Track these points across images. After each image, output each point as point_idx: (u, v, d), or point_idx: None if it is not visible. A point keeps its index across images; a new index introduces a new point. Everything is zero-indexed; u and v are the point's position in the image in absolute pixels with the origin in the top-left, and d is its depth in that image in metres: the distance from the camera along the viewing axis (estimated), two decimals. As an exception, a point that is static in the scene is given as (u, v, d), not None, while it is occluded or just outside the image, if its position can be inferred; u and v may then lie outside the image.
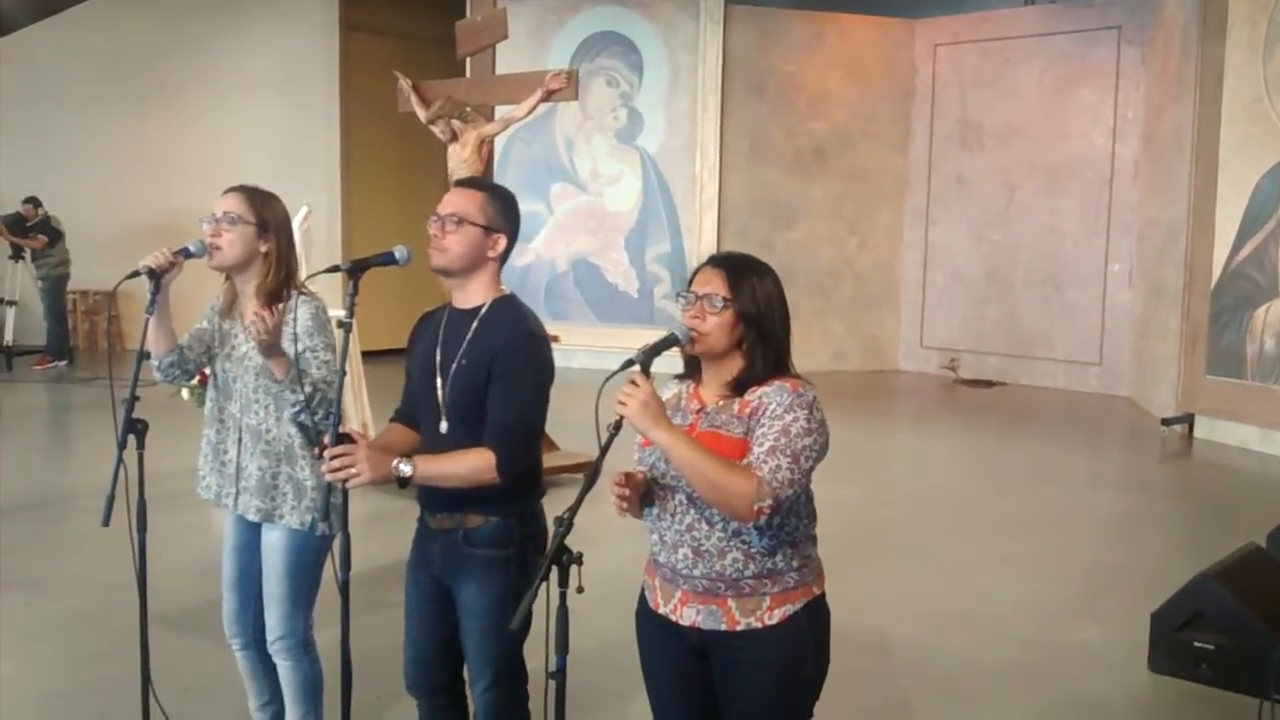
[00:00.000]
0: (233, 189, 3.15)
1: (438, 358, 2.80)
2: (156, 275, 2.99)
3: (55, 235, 12.28)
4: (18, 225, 12.20)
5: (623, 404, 2.26)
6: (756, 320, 2.39)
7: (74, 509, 6.73)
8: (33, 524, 6.42)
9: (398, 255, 2.79)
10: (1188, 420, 9.53)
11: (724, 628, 2.38)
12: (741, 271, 2.42)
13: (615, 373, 2.33)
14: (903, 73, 13.07)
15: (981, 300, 12.68)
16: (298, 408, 3.01)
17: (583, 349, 11.34)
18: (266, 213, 3.12)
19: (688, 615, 2.41)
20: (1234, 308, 9.13)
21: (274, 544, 3.16)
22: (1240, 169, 9.05)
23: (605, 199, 12.86)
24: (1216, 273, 9.28)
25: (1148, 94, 11.28)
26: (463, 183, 2.91)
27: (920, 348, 13.21)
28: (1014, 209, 12.37)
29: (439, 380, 2.78)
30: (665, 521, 2.42)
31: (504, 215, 2.82)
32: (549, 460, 6.76)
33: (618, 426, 2.27)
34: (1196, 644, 4.36)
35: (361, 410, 7.30)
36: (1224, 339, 9.21)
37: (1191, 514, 7.46)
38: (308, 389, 2.98)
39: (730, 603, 2.37)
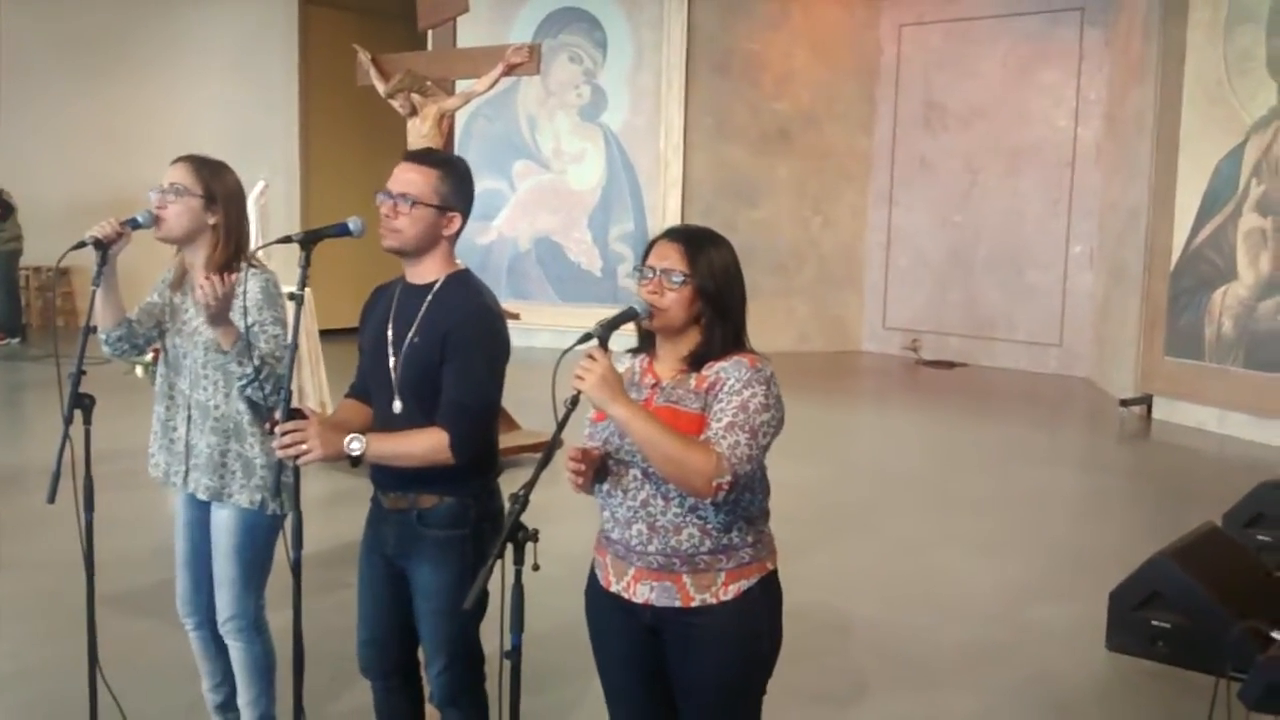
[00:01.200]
0: (181, 159, 3.06)
1: (390, 334, 2.73)
2: (103, 246, 2.91)
3: (7, 209, 12.05)
4: None
5: (580, 378, 2.22)
6: (715, 295, 2.37)
7: (23, 487, 6.60)
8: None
9: (351, 226, 2.72)
10: (1146, 401, 9.62)
11: (678, 604, 2.35)
12: (700, 245, 2.39)
13: (573, 346, 2.30)
14: (868, 53, 13.06)
15: (944, 282, 12.72)
16: (244, 380, 2.94)
17: (545, 328, 11.28)
18: (215, 184, 3.03)
19: (641, 593, 2.38)
20: (1193, 290, 9.20)
21: (223, 523, 3.10)
22: (1201, 151, 9.11)
23: (568, 177, 12.78)
24: (1176, 255, 9.34)
25: (1110, 76, 11.33)
26: (414, 156, 2.78)
27: (883, 329, 13.25)
28: (976, 191, 12.41)
29: (391, 358, 2.72)
30: (617, 498, 2.39)
31: (458, 192, 2.74)
32: (509, 440, 6.73)
33: (574, 401, 2.24)
34: (1154, 623, 4.40)
35: (319, 388, 7.20)
36: (1183, 320, 9.28)
37: (1150, 494, 7.52)
38: (255, 362, 2.91)
39: (685, 579, 2.35)
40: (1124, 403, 9.69)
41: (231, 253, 3.04)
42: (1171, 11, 9.34)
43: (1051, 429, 9.62)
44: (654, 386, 2.41)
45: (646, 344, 2.48)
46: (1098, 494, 7.45)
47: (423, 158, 2.78)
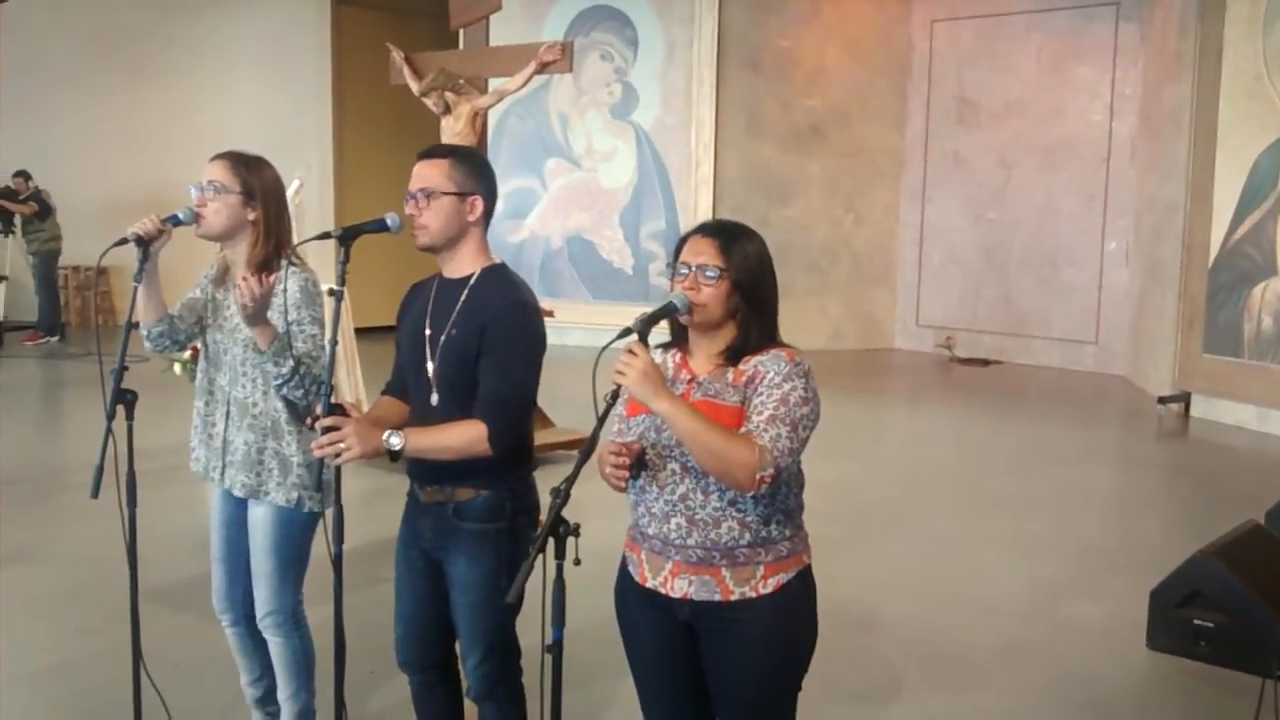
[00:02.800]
0: (219, 155, 3.08)
1: (427, 329, 2.74)
2: (145, 243, 2.93)
3: (46, 209, 12.21)
4: (8, 198, 12.12)
5: (621, 373, 2.22)
6: (750, 289, 2.37)
7: (65, 483, 6.69)
8: (24, 499, 6.38)
9: (389, 222, 2.73)
10: (1184, 399, 9.51)
11: (718, 598, 2.35)
12: (733, 239, 2.40)
13: (612, 341, 2.30)
14: (899, 49, 12.98)
15: (977, 279, 12.63)
16: (279, 380, 2.95)
17: (577, 326, 11.29)
18: (253, 179, 3.04)
19: (679, 587, 2.37)
20: (1231, 286, 9.09)
21: (260, 520, 3.12)
22: (1238, 146, 9.00)
23: (600, 175, 12.78)
24: (1214, 251, 9.23)
25: (1146, 71, 11.21)
26: (426, 153, 2.79)
27: (916, 326, 13.18)
28: (1010, 187, 12.31)
29: (429, 351, 2.73)
30: (653, 493, 2.38)
31: (474, 176, 2.75)
32: (544, 437, 6.74)
33: (615, 396, 2.24)
34: (1196, 622, 4.34)
35: (355, 385, 7.24)
36: (1221, 317, 9.18)
37: (1188, 492, 7.44)
38: (291, 362, 2.92)
39: (724, 572, 2.34)
40: (1162, 400, 9.59)
41: (272, 248, 3.05)
42: (1209, 6, 9.23)
43: (1088, 427, 9.53)
44: (690, 381, 2.40)
45: (679, 339, 2.48)
46: (1135, 492, 7.38)
47: (431, 152, 2.80)
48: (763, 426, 2.25)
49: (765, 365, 2.33)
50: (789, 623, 2.39)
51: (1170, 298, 9.82)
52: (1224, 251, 9.15)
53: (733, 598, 2.34)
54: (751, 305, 2.37)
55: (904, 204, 13.17)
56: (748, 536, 2.34)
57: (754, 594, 2.35)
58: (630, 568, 2.49)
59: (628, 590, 2.49)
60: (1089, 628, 4.78)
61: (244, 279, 2.79)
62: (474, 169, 2.76)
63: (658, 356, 2.49)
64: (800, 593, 2.40)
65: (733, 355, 2.37)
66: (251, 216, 3.04)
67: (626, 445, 2.36)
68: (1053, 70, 11.93)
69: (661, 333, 2.43)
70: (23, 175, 12.19)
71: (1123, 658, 4.47)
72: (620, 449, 2.34)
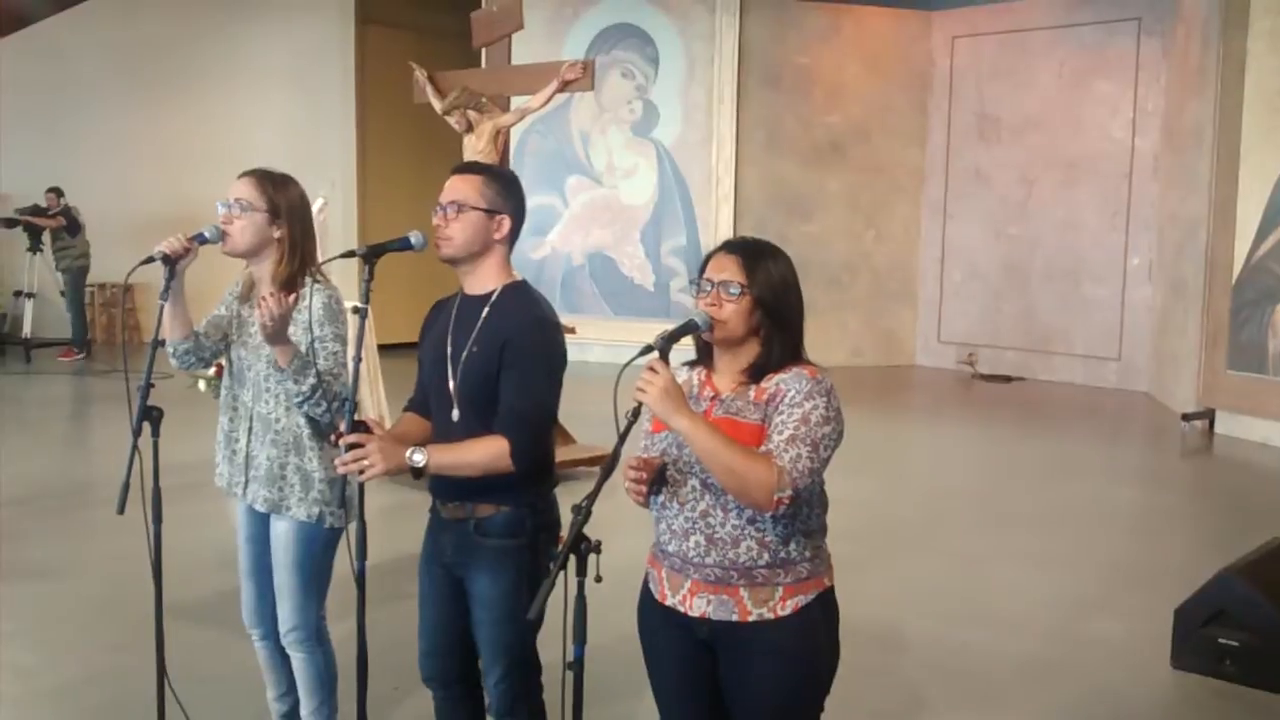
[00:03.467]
0: (246, 173, 3.11)
1: (449, 345, 2.76)
2: (171, 261, 2.96)
3: (75, 225, 12.29)
4: (37, 214, 12.25)
5: (642, 390, 2.22)
6: (773, 307, 2.36)
7: (91, 499, 6.74)
8: (51, 514, 6.43)
9: (413, 240, 2.76)
10: (1208, 416, 9.44)
11: (735, 618, 2.33)
12: (757, 257, 2.39)
13: (634, 359, 2.30)
14: (919, 65, 12.99)
15: (999, 295, 12.59)
16: (300, 398, 2.97)
17: (598, 343, 11.31)
18: (279, 197, 3.07)
19: (698, 605, 2.36)
20: (1255, 302, 9.03)
21: (282, 536, 3.14)
22: (1262, 162, 8.94)
23: (621, 192, 12.82)
24: (1237, 267, 9.18)
25: (1168, 86, 11.18)
26: (462, 168, 2.84)
27: (937, 343, 13.14)
28: (1032, 203, 12.28)
29: (450, 368, 2.75)
30: (674, 509, 2.38)
31: (504, 196, 2.78)
32: (565, 454, 6.75)
33: (636, 413, 2.24)
34: (1221, 641, 4.31)
35: (378, 403, 7.28)
36: (1245, 334, 9.12)
37: (1213, 510, 7.39)
38: (312, 380, 2.95)
39: (743, 592, 2.33)
40: (1186, 417, 9.52)
41: (297, 266, 3.08)
42: (1232, 21, 9.20)
43: (1111, 444, 9.48)
44: (713, 399, 2.40)
45: (704, 357, 2.48)
46: (1159, 510, 7.33)
47: (467, 167, 2.85)
48: (782, 446, 2.24)
49: (787, 383, 2.32)
50: (808, 646, 2.36)
51: (1194, 314, 9.76)
52: (1248, 268, 9.10)
53: (750, 618, 2.33)
54: (774, 323, 2.36)
55: (925, 220, 13.15)
56: (766, 556, 2.32)
57: (772, 615, 2.33)
58: (651, 585, 2.48)
59: (649, 607, 2.48)
60: (1112, 646, 4.74)
61: (265, 298, 2.82)
62: (506, 189, 2.79)
63: (683, 373, 2.49)
64: (820, 615, 2.37)
65: (755, 373, 2.37)
66: (277, 234, 3.07)
67: (646, 460, 2.36)
68: (1074, 85, 11.91)
69: (688, 350, 2.44)
70: (55, 192, 12.33)
71: (1147, 677, 4.44)
72: (639, 464, 2.34)
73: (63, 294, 12.53)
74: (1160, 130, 11.31)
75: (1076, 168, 11.92)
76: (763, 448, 2.26)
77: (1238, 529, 6.17)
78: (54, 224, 12.21)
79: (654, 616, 2.47)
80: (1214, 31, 9.50)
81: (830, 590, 2.42)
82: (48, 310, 12.84)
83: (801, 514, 2.34)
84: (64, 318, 12.61)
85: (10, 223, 12.38)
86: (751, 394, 2.35)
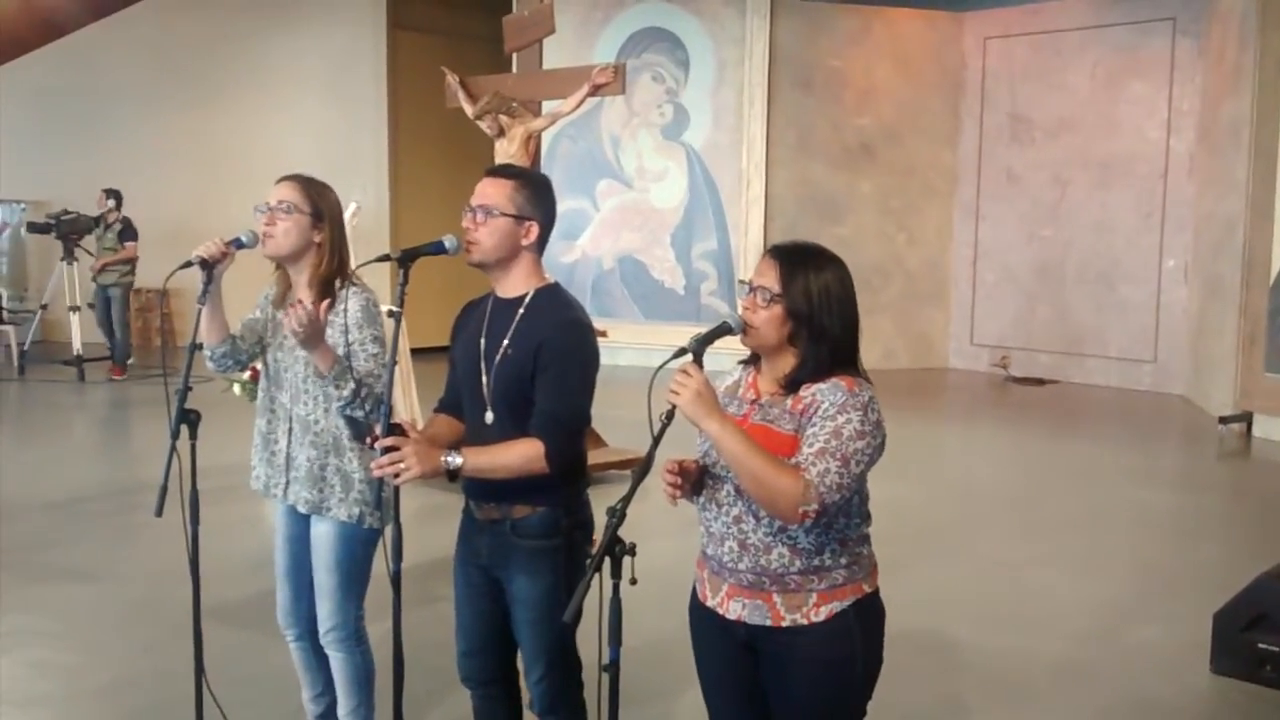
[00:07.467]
0: (287, 177, 3.14)
1: (482, 347, 2.77)
2: (209, 265, 3.00)
3: (132, 233, 11.66)
4: (93, 224, 11.68)
5: (675, 393, 2.22)
6: (808, 318, 2.30)
7: (129, 502, 6.81)
8: (91, 517, 6.51)
9: (447, 244, 2.77)
10: (1246, 419, 9.34)
11: (769, 623, 2.33)
12: (796, 265, 2.33)
13: (667, 361, 2.29)
14: (951, 66, 12.93)
15: (1032, 297, 12.51)
16: (343, 402, 3.00)
17: (629, 346, 11.32)
18: (321, 202, 3.11)
19: (734, 609, 2.36)
20: (1294, 303, 8.92)
21: (322, 536, 3.16)
22: (1300, 161, 8.85)
23: (651, 195, 12.83)
24: (1275, 267, 9.07)
25: (1203, 86, 11.07)
26: (494, 171, 2.84)
27: (970, 345, 13.06)
28: (1065, 204, 12.19)
29: (484, 369, 2.76)
30: (712, 512, 2.39)
31: (534, 202, 2.77)
32: (596, 457, 6.75)
33: (670, 416, 2.23)
34: (1261, 645, 4.26)
35: (410, 406, 7.32)
36: (1283, 335, 9.01)
37: (1251, 513, 7.30)
38: (352, 385, 2.96)
39: (776, 598, 2.32)
40: (1223, 420, 9.42)
41: (334, 269, 3.11)
42: (1269, 20, 9.10)
43: (1147, 447, 9.38)
44: (754, 403, 2.39)
45: (755, 357, 2.46)
46: (1196, 513, 7.25)
47: (499, 171, 2.84)
48: (812, 459, 2.21)
49: (823, 394, 2.28)
50: (844, 652, 2.34)
51: (1230, 315, 9.65)
52: (1286, 268, 8.99)
53: (784, 624, 2.32)
54: (811, 334, 2.31)
55: (957, 222, 13.09)
56: (799, 564, 2.31)
57: (805, 621, 2.31)
58: (697, 585, 2.49)
59: (696, 607, 2.49)
60: (1151, 651, 4.70)
61: (292, 306, 2.84)
62: (536, 194, 2.79)
63: (737, 373, 2.49)
64: (857, 622, 2.34)
65: (791, 384, 2.33)
66: (318, 239, 3.10)
67: (681, 463, 2.36)
68: (1108, 86, 11.81)
69: (727, 351, 2.43)
70: (113, 196, 11.59)
71: (1185, 682, 4.39)
72: (674, 466, 2.33)
73: (91, 305, 11.79)
74: (1196, 130, 11.20)
75: (1110, 169, 11.82)
76: (793, 459, 2.23)
77: (1277, 533, 6.09)
78: (130, 254, 11.53)
79: (699, 617, 2.48)
80: (1251, 30, 9.40)
81: (870, 596, 2.39)
82: (81, 320, 12.12)
83: (837, 524, 2.31)
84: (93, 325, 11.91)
85: (70, 236, 11.64)
86: (789, 403, 2.32)
